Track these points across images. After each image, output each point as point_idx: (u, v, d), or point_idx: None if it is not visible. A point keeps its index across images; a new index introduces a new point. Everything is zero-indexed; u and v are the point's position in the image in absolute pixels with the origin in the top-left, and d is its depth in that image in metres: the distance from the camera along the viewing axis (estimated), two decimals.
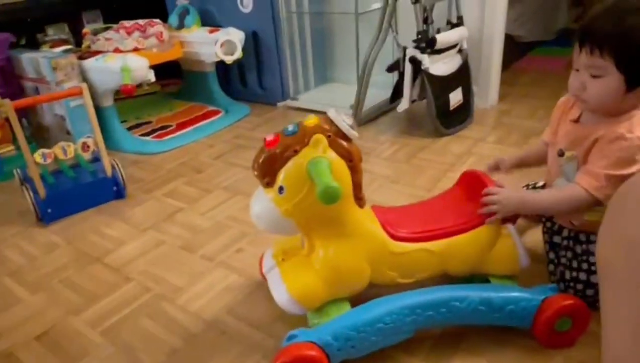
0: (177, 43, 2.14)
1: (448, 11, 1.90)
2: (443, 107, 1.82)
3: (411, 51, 1.77)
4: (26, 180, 1.49)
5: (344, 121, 0.79)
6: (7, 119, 1.90)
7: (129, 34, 2.00)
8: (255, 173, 0.82)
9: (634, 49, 0.72)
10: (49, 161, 1.45)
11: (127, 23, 2.04)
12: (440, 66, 1.79)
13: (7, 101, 1.36)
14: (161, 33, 2.08)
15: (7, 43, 1.98)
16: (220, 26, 2.22)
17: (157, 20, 2.11)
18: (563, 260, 0.94)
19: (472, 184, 0.94)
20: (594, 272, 0.87)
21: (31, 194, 1.44)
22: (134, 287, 1.15)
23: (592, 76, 0.75)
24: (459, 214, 0.89)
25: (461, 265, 0.89)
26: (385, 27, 1.85)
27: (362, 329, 0.81)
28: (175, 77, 2.58)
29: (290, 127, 0.80)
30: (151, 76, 1.88)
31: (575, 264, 0.91)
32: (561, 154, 0.89)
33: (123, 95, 1.86)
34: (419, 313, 0.83)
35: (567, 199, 0.83)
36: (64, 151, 1.48)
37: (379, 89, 2.10)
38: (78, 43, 2.25)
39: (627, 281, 0.49)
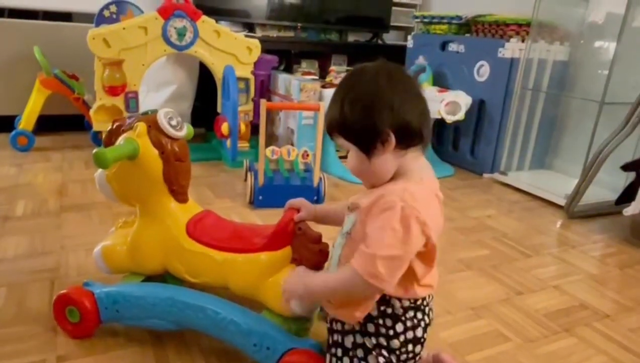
0: None
1: None
2: None
3: None
4: (251, 169, 1.75)
5: (167, 121, 0.92)
6: (250, 122, 2.29)
7: None
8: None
9: (346, 123, 0.74)
10: (275, 157, 1.68)
11: None
12: None
13: (263, 100, 1.64)
14: None
15: (272, 63, 2.41)
16: (450, 88, 2.31)
17: None
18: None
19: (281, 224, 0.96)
20: None
21: (253, 180, 1.68)
22: None
23: (348, 152, 0.79)
24: (250, 241, 0.95)
25: (238, 283, 0.94)
26: (634, 122, 1.68)
27: (128, 298, 0.94)
28: None
29: (135, 114, 0.97)
30: None
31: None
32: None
33: None
34: (180, 309, 0.91)
35: (341, 285, 0.74)
36: (289, 152, 1.70)
37: (601, 188, 1.90)
38: (322, 76, 2.60)
39: None
